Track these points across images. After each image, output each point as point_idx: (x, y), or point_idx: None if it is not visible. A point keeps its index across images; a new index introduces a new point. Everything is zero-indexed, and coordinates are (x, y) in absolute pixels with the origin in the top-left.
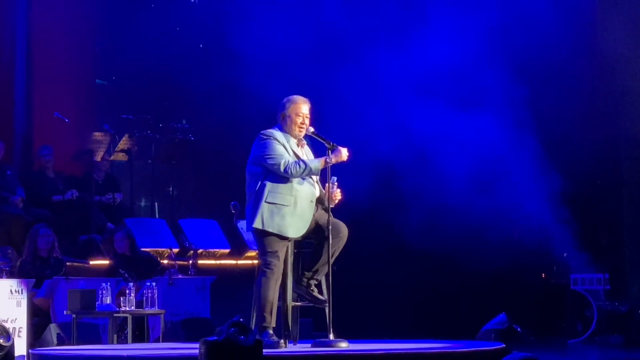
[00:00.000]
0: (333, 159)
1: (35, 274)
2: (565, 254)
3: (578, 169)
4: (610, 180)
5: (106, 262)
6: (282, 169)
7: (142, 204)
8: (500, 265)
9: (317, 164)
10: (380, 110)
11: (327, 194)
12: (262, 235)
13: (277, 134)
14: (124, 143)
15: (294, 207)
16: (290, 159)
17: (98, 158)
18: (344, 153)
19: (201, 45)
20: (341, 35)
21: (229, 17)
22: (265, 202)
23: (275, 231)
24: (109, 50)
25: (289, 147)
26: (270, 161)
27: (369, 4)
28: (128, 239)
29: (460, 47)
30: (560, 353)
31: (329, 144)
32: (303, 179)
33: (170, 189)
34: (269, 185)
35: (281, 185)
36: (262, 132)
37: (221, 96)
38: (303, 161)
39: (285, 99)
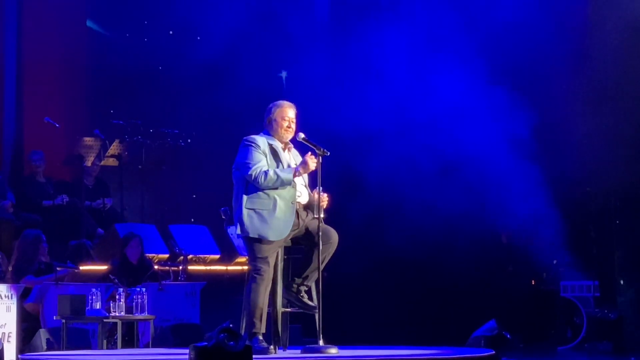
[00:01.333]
0: (301, 170)
1: (33, 272)
2: (555, 261)
3: (568, 176)
4: (600, 187)
5: (96, 267)
6: (252, 178)
7: (132, 209)
8: (491, 271)
9: (288, 175)
10: (350, 101)
11: (317, 202)
12: (248, 242)
13: (260, 139)
14: (114, 148)
15: (273, 210)
16: (264, 168)
17: (88, 163)
18: (310, 164)
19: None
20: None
21: (221, 21)
22: (245, 208)
23: (256, 236)
24: (100, 54)
25: (268, 151)
26: (244, 168)
27: None
28: (140, 247)
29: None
30: None
31: (319, 149)
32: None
33: (160, 194)
34: (247, 190)
35: (259, 190)
36: (245, 137)
37: (212, 101)
38: (275, 172)
39: (271, 104)
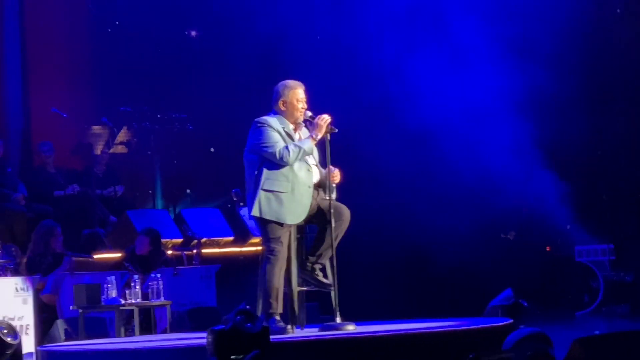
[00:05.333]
0: (317, 133)
1: (42, 271)
2: (568, 226)
3: (580, 140)
4: (612, 150)
5: (110, 255)
6: (277, 157)
7: (144, 195)
8: (504, 240)
9: (309, 143)
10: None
11: (328, 180)
12: (262, 223)
13: (272, 120)
14: (122, 135)
15: (292, 193)
16: (284, 145)
17: (98, 151)
18: (321, 125)
19: (196, 34)
20: None
21: (226, 5)
22: (262, 189)
23: (273, 218)
24: (105, 42)
25: (283, 132)
26: (265, 149)
27: None
28: (151, 246)
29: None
30: (568, 325)
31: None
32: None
33: (171, 179)
34: (265, 172)
35: (277, 172)
36: (256, 119)
37: (218, 84)
38: (295, 144)
39: (280, 86)
